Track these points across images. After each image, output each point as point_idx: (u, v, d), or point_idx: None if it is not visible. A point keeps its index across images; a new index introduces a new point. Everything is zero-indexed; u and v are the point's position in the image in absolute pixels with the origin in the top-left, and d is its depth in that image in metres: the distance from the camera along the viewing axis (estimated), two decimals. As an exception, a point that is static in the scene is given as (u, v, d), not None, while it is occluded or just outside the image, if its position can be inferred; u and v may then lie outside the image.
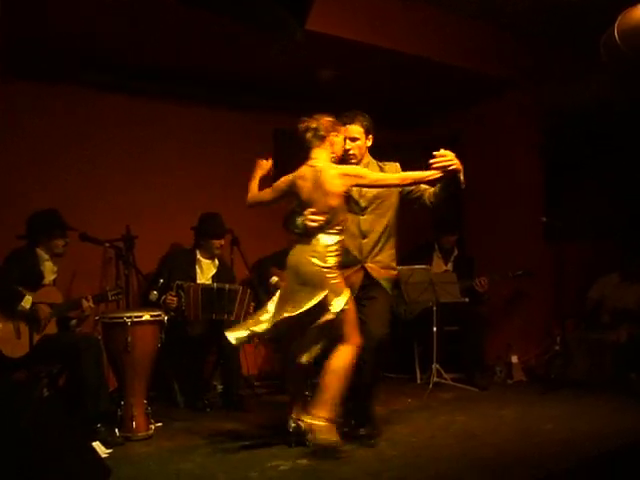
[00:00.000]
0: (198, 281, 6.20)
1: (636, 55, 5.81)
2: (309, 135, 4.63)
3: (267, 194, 4.88)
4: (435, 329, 6.54)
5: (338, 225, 4.48)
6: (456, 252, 7.42)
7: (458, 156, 4.47)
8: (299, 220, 4.53)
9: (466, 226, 7.99)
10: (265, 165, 5.11)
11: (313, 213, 4.43)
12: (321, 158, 4.59)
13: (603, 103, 7.17)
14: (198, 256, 6.31)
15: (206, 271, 6.34)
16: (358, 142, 4.85)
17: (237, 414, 5.71)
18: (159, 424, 5.23)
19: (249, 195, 4.97)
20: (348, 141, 4.82)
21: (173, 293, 5.87)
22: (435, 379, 6.45)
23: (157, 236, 6.59)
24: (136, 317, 5.01)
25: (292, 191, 4.66)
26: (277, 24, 2.95)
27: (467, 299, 6.84)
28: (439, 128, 8.15)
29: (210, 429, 5.23)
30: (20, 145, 6.08)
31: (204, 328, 6.03)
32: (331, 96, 7.45)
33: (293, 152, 7.64)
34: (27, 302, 4.93)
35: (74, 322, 5.39)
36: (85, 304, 5.28)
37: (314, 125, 4.60)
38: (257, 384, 6.75)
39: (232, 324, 5.88)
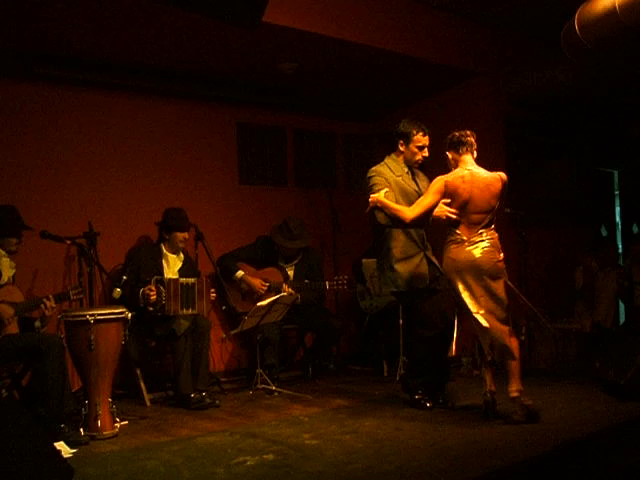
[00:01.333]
0: (165, 276, 6.16)
1: (596, 48, 5.87)
2: (470, 140, 5.10)
3: (431, 198, 4.96)
4: (401, 322, 6.55)
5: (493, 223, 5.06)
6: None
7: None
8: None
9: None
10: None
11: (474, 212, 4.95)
12: (472, 164, 5.08)
13: (564, 92, 7.23)
14: (164, 251, 6.28)
15: (172, 266, 6.31)
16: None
17: (204, 411, 5.67)
18: (125, 422, 5.19)
19: (408, 214, 4.98)
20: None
21: (152, 287, 5.85)
22: (402, 372, 6.47)
23: (120, 232, 6.55)
24: (99, 315, 4.95)
25: (449, 192, 4.97)
26: (233, 15, 2.92)
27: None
28: (400, 119, 8.15)
29: (176, 426, 5.21)
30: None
31: (187, 323, 5.98)
32: (293, 89, 7.48)
33: (256, 146, 7.70)
34: (-14, 301, 4.86)
35: (38, 323, 5.29)
36: (47, 304, 5.21)
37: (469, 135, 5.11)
38: (223, 380, 6.71)
39: (189, 318, 5.94)
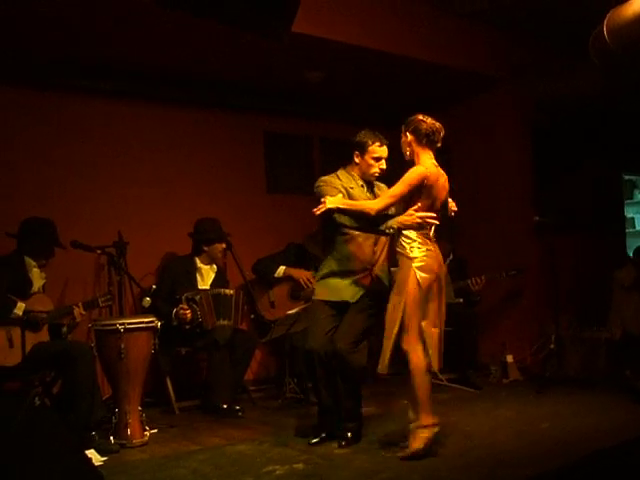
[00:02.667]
0: (199, 287, 6.22)
1: (624, 52, 5.82)
2: (439, 137, 4.57)
3: (403, 188, 4.45)
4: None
5: None
6: (451, 256, 7.39)
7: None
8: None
9: (457, 226, 7.96)
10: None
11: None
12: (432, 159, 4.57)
13: (592, 99, 7.18)
14: (198, 264, 6.32)
15: (206, 278, 6.36)
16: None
17: (233, 419, 5.67)
18: (154, 431, 5.22)
19: (372, 205, 4.51)
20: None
21: (185, 306, 5.89)
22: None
23: (149, 242, 6.58)
24: (129, 324, 4.99)
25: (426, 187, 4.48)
26: (262, 26, 2.94)
27: (461, 299, 6.85)
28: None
29: (205, 435, 5.23)
30: (13, 151, 6.05)
31: (228, 333, 5.99)
32: (320, 97, 7.49)
33: (284, 155, 7.73)
34: (20, 309, 4.91)
35: (65, 329, 5.35)
36: (76, 311, 5.26)
37: (441, 131, 4.58)
38: (252, 389, 6.72)
39: (228, 329, 5.95)
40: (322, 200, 4.56)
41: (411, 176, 4.43)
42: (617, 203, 9.06)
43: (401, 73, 6.93)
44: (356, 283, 4.84)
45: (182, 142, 7.03)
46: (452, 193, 4.72)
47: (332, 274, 4.92)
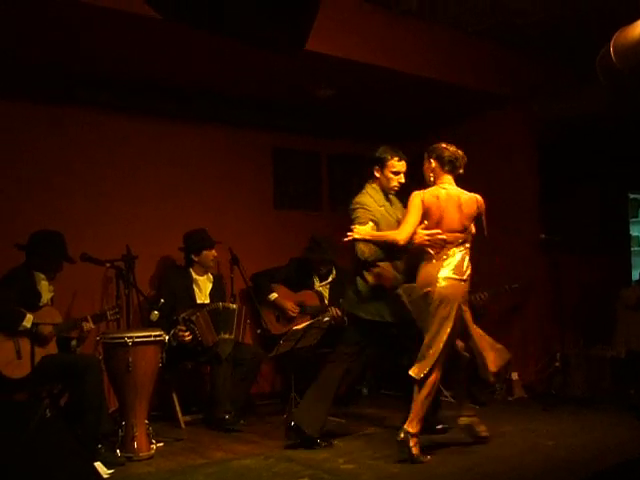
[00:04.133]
0: (198, 300, 6.24)
1: (631, 73, 5.86)
2: (461, 163, 5.01)
3: (416, 215, 4.83)
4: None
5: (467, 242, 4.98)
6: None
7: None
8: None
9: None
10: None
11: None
12: (452, 183, 4.99)
13: (599, 118, 7.23)
14: (194, 275, 6.34)
15: (203, 289, 6.39)
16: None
17: (238, 434, 5.68)
18: (160, 444, 5.23)
19: (397, 236, 4.81)
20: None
21: (183, 327, 5.90)
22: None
23: (157, 256, 6.62)
24: (137, 337, 5.01)
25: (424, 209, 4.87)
26: (276, 43, 2.97)
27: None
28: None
29: (211, 449, 5.24)
30: (24, 165, 6.09)
31: (230, 346, 6.01)
32: (328, 114, 7.54)
33: (291, 171, 7.77)
34: (28, 321, 4.93)
35: (74, 342, 5.39)
36: (85, 325, 5.29)
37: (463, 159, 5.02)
38: (258, 403, 6.73)
39: (230, 342, 5.98)
40: (352, 227, 4.88)
41: (413, 202, 4.84)
42: (622, 221, 9.07)
43: (411, 91, 6.98)
44: None
45: (191, 158, 7.07)
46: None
47: None
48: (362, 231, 4.87)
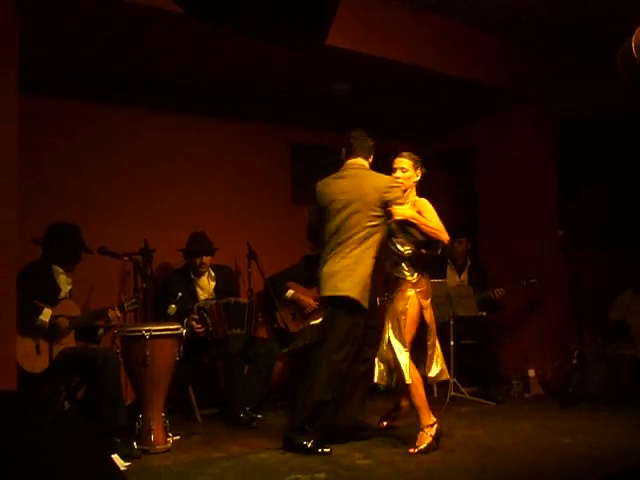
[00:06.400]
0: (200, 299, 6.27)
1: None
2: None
3: (438, 219, 4.98)
4: (452, 343, 6.52)
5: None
6: (469, 262, 7.41)
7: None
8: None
9: (481, 236, 7.98)
10: None
11: None
12: None
13: (615, 112, 7.17)
14: (192, 276, 6.35)
15: (207, 287, 6.38)
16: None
17: (255, 428, 5.68)
18: (177, 437, 5.24)
19: (446, 236, 4.92)
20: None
21: (196, 317, 5.92)
22: (452, 393, 6.44)
23: (174, 250, 6.62)
24: (155, 330, 5.03)
25: None
26: (296, 40, 2.96)
27: (484, 313, 6.82)
28: (453, 140, 8.17)
29: (228, 442, 5.25)
30: (42, 160, 6.11)
31: (240, 342, 6.05)
32: (347, 109, 7.52)
33: (309, 166, 7.75)
34: (46, 315, 4.96)
35: (101, 331, 5.44)
36: (112, 314, 5.34)
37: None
38: (274, 397, 6.71)
39: (240, 337, 5.98)
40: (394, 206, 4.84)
41: (430, 206, 5.00)
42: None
43: (428, 87, 6.96)
44: None
45: (209, 153, 7.08)
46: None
47: None
48: (407, 212, 4.85)
